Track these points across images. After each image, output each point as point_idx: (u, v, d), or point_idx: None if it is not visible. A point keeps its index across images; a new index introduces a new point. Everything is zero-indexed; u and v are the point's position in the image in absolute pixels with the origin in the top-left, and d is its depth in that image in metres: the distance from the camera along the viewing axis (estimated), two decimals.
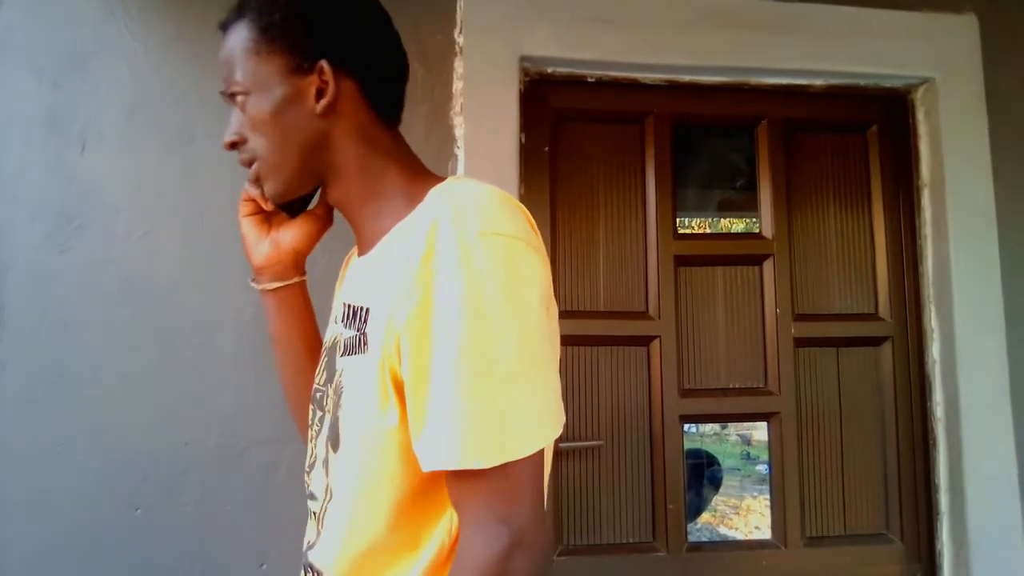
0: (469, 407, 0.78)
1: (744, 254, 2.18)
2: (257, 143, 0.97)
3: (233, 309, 1.82)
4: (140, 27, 1.86)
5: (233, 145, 1.00)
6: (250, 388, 1.80)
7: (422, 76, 1.93)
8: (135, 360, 1.79)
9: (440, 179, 0.98)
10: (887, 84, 2.20)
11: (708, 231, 6.19)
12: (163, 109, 1.86)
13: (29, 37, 1.83)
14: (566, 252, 2.08)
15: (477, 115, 1.92)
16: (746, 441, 9.33)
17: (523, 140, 2.00)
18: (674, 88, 2.14)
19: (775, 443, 2.11)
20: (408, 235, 0.88)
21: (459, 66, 1.94)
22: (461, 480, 0.81)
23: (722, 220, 5.92)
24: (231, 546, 1.78)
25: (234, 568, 1.77)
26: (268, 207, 1.09)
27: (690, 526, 2.13)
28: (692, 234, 2.80)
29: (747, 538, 5.30)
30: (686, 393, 2.08)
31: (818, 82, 2.18)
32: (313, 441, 1.03)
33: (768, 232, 2.16)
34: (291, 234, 1.11)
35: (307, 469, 1.05)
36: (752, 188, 2.23)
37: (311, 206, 1.12)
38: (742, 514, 6.28)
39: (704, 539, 5.02)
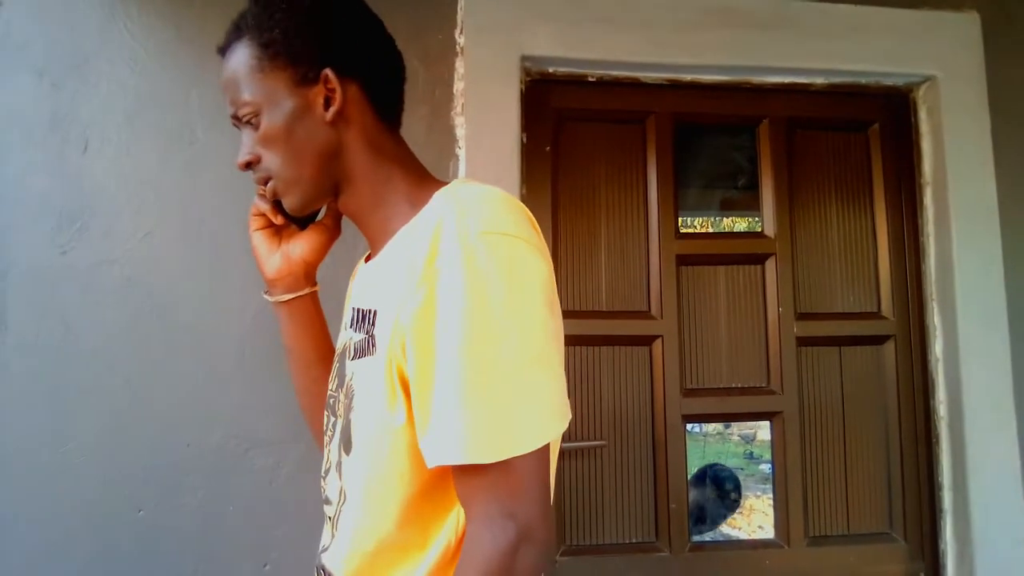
0: (473, 403, 0.79)
1: (746, 253, 2.18)
2: (272, 160, 0.98)
3: (235, 310, 1.82)
4: (141, 28, 1.86)
5: (248, 165, 1.01)
6: (253, 389, 1.80)
7: (423, 76, 1.93)
8: (137, 361, 1.79)
9: (443, 183, 0.99)
10: (889, 82, 2.20)
11: (710, 230, 6.18)
12: (164, 110, 1.85)
13: (30, 38, 1.83)
14: (568, 252, 2.08)
15: (478, 115, 1.92)
16: (749, 440, 9.33)
17: (524, 140, 2.00)
18: (676, 87, 2.14)
19: (778, 442, 2.11)
20: (412, 238, 0.89)
21: (460, 66, 1.94)
22: (467, 476, 0.81)
23: (724, 219, 5.91)
24: (234, 547, 1.78)
25: (237, 569, 1.77)
26: (278, 221, 1.11)
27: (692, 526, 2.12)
28: (694, 233, 2.80)
29: (750, 538, 5.29)
30: (688, 392, 2.08)
31: (820, 81, 2.17)
32: (328, 447, 1.04)
33: (770, 231, 2.16)
34: (301, 246, 1.13)
35: (323, 475, 1.06)
36: (754, 187, 2.23)
37: (319, 217, 1.14)
38: (745, 514, 6.27)
39: (707, 539, 5.01)
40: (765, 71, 2.14)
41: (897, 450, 2.13)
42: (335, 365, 1.07)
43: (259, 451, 1.80)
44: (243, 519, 1.78)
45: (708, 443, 8.94)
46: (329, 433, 1.04)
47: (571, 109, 2.10)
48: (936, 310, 2.13)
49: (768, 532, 2.18)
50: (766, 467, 7.33)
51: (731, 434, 9.92)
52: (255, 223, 1.14)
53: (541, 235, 0.91)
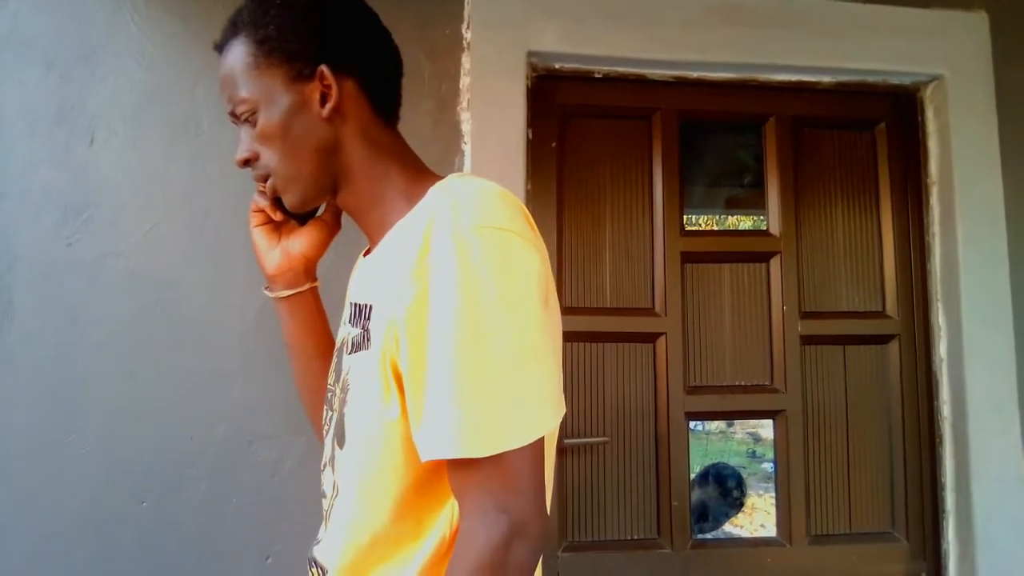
0: (466, 397, 0.79)
1: (751, 251, 2.17)
2: (270, 157, 0.98)
3: (240, 303, 1.82)
4: (148, 20, 1.86)
5: (246, 162, 1.01)
6: (256, 382, 1.81)
7: (429, 71, 1.93)
8: (142, 353, 1.79)
9: (440, 177, 0.99)
10: (896, 81, 2.19)
11: (715, 228, 6.17)
12: (171, 102, 1.86)
13: (37, 30, 1.83)
14: (572, 248, 2.08)
15: (484, 111, 1.92)
16: (755, 439, 9.32)
17: (530, 136, 1.99)
18: (682, 84, 2.13)
19: (780, 441, 2.11)
20: (407, 232, 0.89)
21: (466, 61, 1.94)
22: (461, 470, 0.81)
23: (729, 217, 5.90)
24: (236, 540, 1.78)
25: (239, 562, 1.77)
26: (277, 217, 1.12)
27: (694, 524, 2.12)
28: (699, 231, 2.79)
29: (752, 536, 5.29)
30: (692, 390, 2.08)
31: (826, 79, 2.17)
32: (325, 441, 1.05)
33: (775, 229, 2.16)
34: (301, 242, 1.13)
35: (321, 469, 1.07)
36: (759, 185, 2.22)
37: (319, 213, 1.14)
38: (747, 513, 6.27)
39: (708, 536, 5.01)
40: (771, 69, 2.13)
41: (900, 450, 2.13)
42: (334, 360, 1.08)
43: (262, 444, 1.80)
44: (245, 512, 1.78)
45: (711, 441, 8.93)
46: (326, 427, 1.05)
47: (577, 105, 2.10)
48: (941, 310, 2.13)
49: (770, 531, 2.18)
50: (768, 466, 7.32)
51: (734, 433, 9.91)
52: (255, 219, 1.15)
53: (536, 230, 0.91)
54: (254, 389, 1.81)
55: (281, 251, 1.14)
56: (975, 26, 2.15)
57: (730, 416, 4.25)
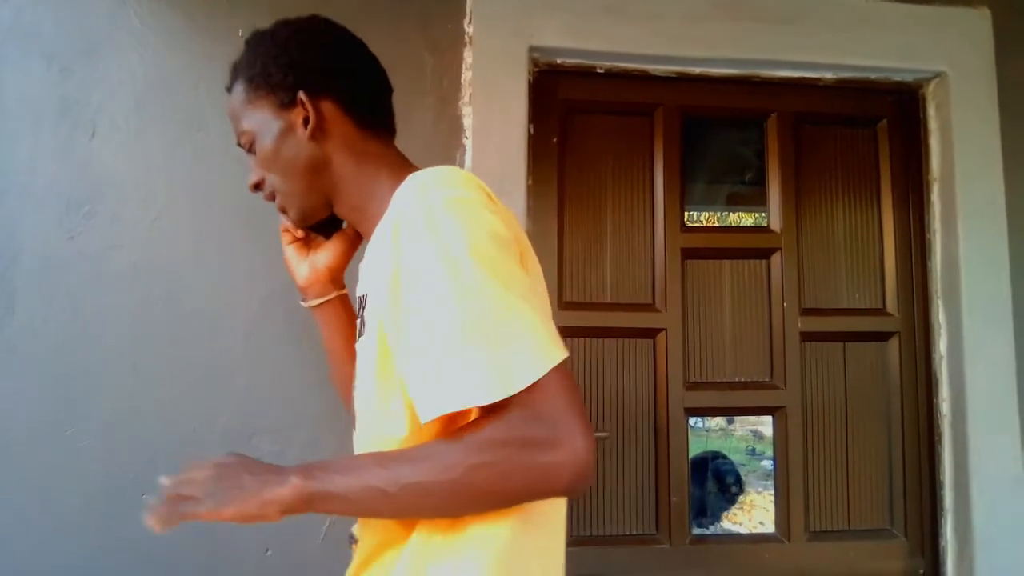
0: (472, 346, 0.80)
1: (752, 247, 2.17)
2: (272, 179, 1.10)
3: (242, 296, 1.83)
4: (151, 14, 1.87)
5: (257, 186, 1.14)
6: (258, 375, 1.82)
7: (431, 66, 1.93)
8: (144, 346, 1.80)
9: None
10: (898, 78, 2.19)
11: (716, 224, 6.17)
12: (173, 96, 1.86)
13: (39, 23, 1.84)
14: (573, 243, 2.08)
15: (486, 105, 1.92)
16: (756, 437, 9.34)
17: (532, 131, 1.99)
18: (684, 80, 2.13)
19: (780, 437, 2.11)
20: (385, 221, 0.96)
21: (468, 56, 1.94)
22: (490, 417, 0.81)
23: (731, 214, 5.91)
24: (236, 532, 1.78)
25: (239, 554, 1.78)
26: (298, 234, 1.26)
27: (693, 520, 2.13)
28: (700, 227, 2.79)
29: (751, 532, 5.30)
30: (691, 386, 2.08)
31: (828, 75, 2.17)
32: None
33: (776, 226, 2.16)
34: (325, 254, 1.25)
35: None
36: (761, 182, 2.22)
37: (344, 226, 1.24)
38: (747, 509, 6.28)
39: (707, 532, 5.02)
40: (774, 65, 2.13)
41: (899, 447, 2.13)
42: None
43: (264, 437, 1.81)
44: None
45: (710, 438, 8.94)
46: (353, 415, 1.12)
47: (579, 101, 2.10)
48: (941, 308, 2.13)
49: (769, 528, 2.19)
50: (768, 464, 7.33)
51: (734, 430, 9.92)
52: (285, 238, 1.27)
53: (498, 203, 0.95)
54: (256, 382, 1.81)
55: (308, 264, 1.25)
56: (977, 23, 2.15)
57: (729, 412, 4.27)
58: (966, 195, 2.10)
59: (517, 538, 0.90)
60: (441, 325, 0.81)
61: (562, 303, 2.04)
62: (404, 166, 1.07)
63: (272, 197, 1.13)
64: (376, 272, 0.93)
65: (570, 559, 0.96)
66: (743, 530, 5.79)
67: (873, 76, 2.18)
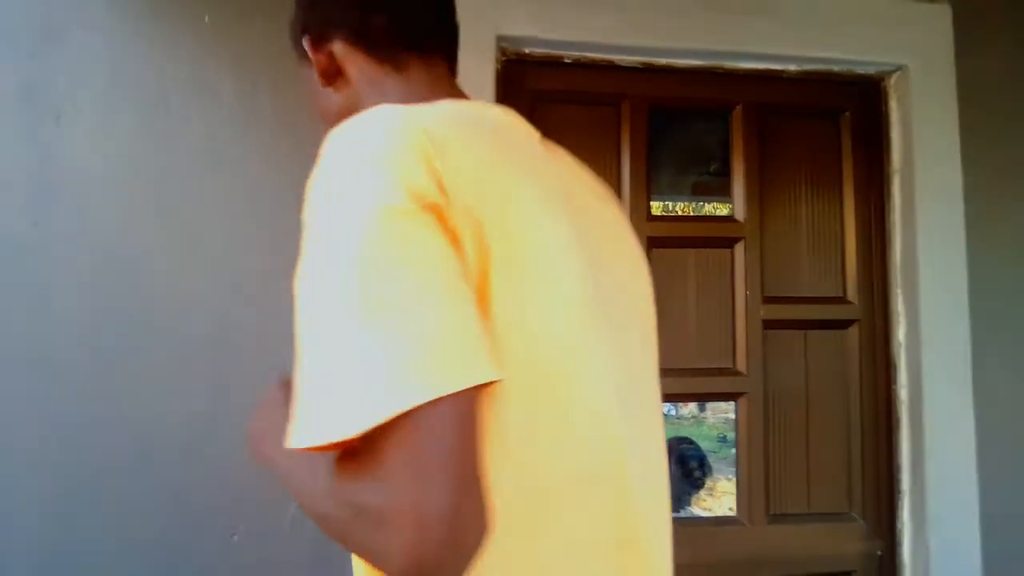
0: (304, 383, 0.66)
1: (716, 236, 2.21)
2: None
3: (208, 282, 1.83)
4: None
5: None
6: (224, 360, 1.82)
7: None
8: (109, 332, 1.79)
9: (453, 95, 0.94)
10: (860, 71, 2.23)
11: (689, 214, 6.23)
12: (139, 81, 1.85)
13: (3, 6, 1.82)
14: None
15: None
16: (727, 424, 9.45)
17: None
18: (650, 71, 2.15)
19: (742, 422, 2.15)
20: None
21: None
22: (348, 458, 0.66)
23: (695, 204, 5.96)
24: (201, 517, 1.80)
25: (204, 538, 1.79)
26: None
27: None
28: (665, 216, 2.83)
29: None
30: None
31: (792, 67, 2.20)
32: None
33: (740, 215, 2.19)
34: None
35: None
36: (726, 172, 2.26)
37: None
38: (716, 495, 6.37)
39: (672, 516, 5.09)
40: (739, 56, 2.16)
41: (858, 432, 2.18)
42: None
43: (228, 424, 1.81)
44: (211, 490, 1.80)
45: (682, 425, 9.03)
46: None
47: (546, 90, 2.11)
48: (900, 296, 2.18)
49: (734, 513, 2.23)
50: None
51: (705, 417, 10.03)
52: None
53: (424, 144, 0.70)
54: (221, 367, 1.82)
55: None
56: (938, 17, 2.19)
57: (693, 398, 4.32)
58: (925, 186, 2.14)
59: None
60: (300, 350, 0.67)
61: None
62: (436, 91, 0.91)
63: None
64: None
65: None
66: (709, 515, 5.87)
67: (836, 68, 2.22)
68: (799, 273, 2.21)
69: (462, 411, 0.61)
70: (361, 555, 0.66)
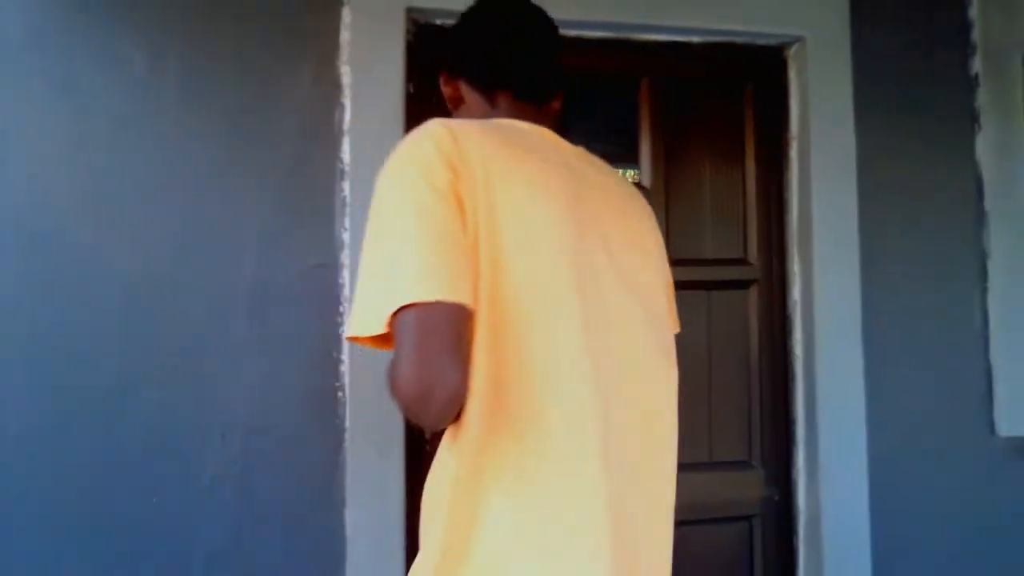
0: (357, 283, 1.03)
1: None
2: None
3: (121, 255, 1.87)
4: None
5: None
6: (137, 334, 1.86)
7: (310, 26, 1.98)
8: (21, 307, 1.82)
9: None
10: (763, 43, 2.32)
11: None
12: (49, 53, 1.86)
13: None
14: None
15: (364, 65, 1.98)
16: None
17: (410, 90, 2.06)
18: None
19: None
20: None
21: (346, 16, 1.99)
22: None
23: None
24: (118, 481, 1.85)
25: (123, 501, 1.84)
26: None
27: None
28: None
29: None
30: None
31: (697, 40, 2.29)
32: None
33: (647, 183, 2.29)
34: None
35: None
36: (634, 142, 2.34)
37: None
38: None
39: None
40: (646, 29, 2.24)
41: (757, 386, 2.31)
42: None
43: (146, 389, 1.86)
44: (130, 454, 1.85)
45: None
46: None
47: None
48: (796, 258, 2.30)
49: None
50: None
51: None
52: None
53: (450, 144, 1.07)
54: (138, 331, 1.86)
55: None
56: None
57: None
58: (820, 153, 2.26)
59: (476, 459, 1.01)
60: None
61: None
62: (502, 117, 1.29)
63: None
64: None
65: None
66: None
67: (739, 40, 2.31)
68: (703, 237, 2.32)
69: (432, 315, 0.95)
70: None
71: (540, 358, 1.03)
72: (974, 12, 2.39)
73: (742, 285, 2.33)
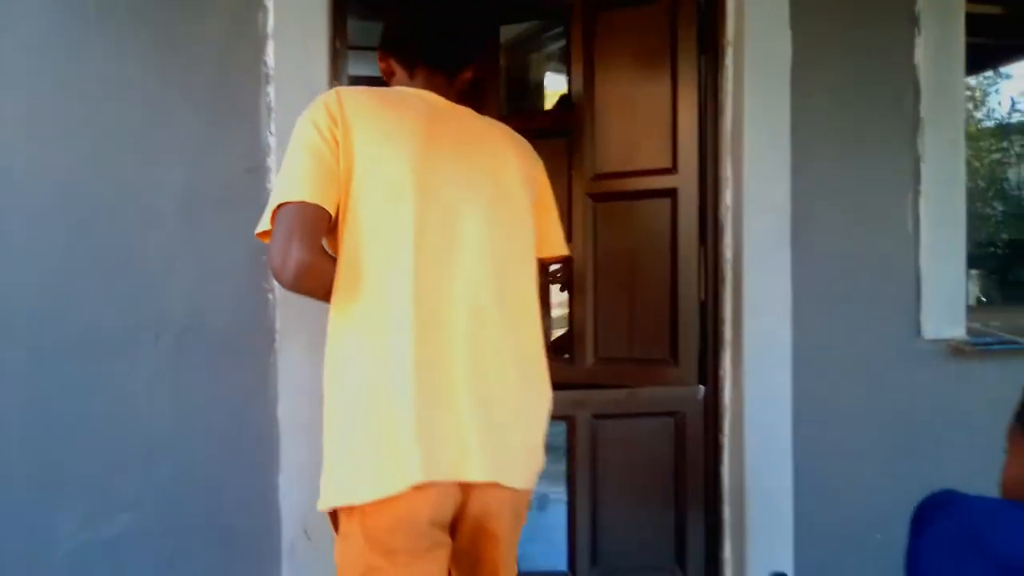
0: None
1: (555, 129, 2.43)
2: None
3: (56, 163, 1.92)
4: None
5: None
6: (74, 238, 1.94)
7: None
8: None
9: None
10: None
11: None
12: None
13: None
14: None
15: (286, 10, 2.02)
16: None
17: (337, 46, 2.13)
18: None
19: (577, 283, 2.38)
20: None
21: None
22: None
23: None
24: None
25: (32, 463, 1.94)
26: None
27: None
28: (511, 114, 3.04)
29: None
30: None
31: None
32: None
33: (576, 96, 2.36)
34: None
35: None
36: (565, 54, 2.36)
37: None
38: None
39: None
40: None
41: (691, 288, 2.36)
42: None
43: (85, 285, 1.94)
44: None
45: None
46: None
47: None
48: (729, 163, 2.32)
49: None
50: None
51: None
52: None
53: (346, 99, 1.43)
54: (75, 247, 1.93)
55: None
56: None
57: None
58: (753, 57, 2.26)
59: (344, 333, 1.39)
60: None
61: None
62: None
63: None
64: None
65: None
66: None
67: None
68: (634, 149, 2.37)
69: (296, 210, 1.33)
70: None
71: (382, 240, 1.39)
72: None
73: (668, 193, 2.36)
